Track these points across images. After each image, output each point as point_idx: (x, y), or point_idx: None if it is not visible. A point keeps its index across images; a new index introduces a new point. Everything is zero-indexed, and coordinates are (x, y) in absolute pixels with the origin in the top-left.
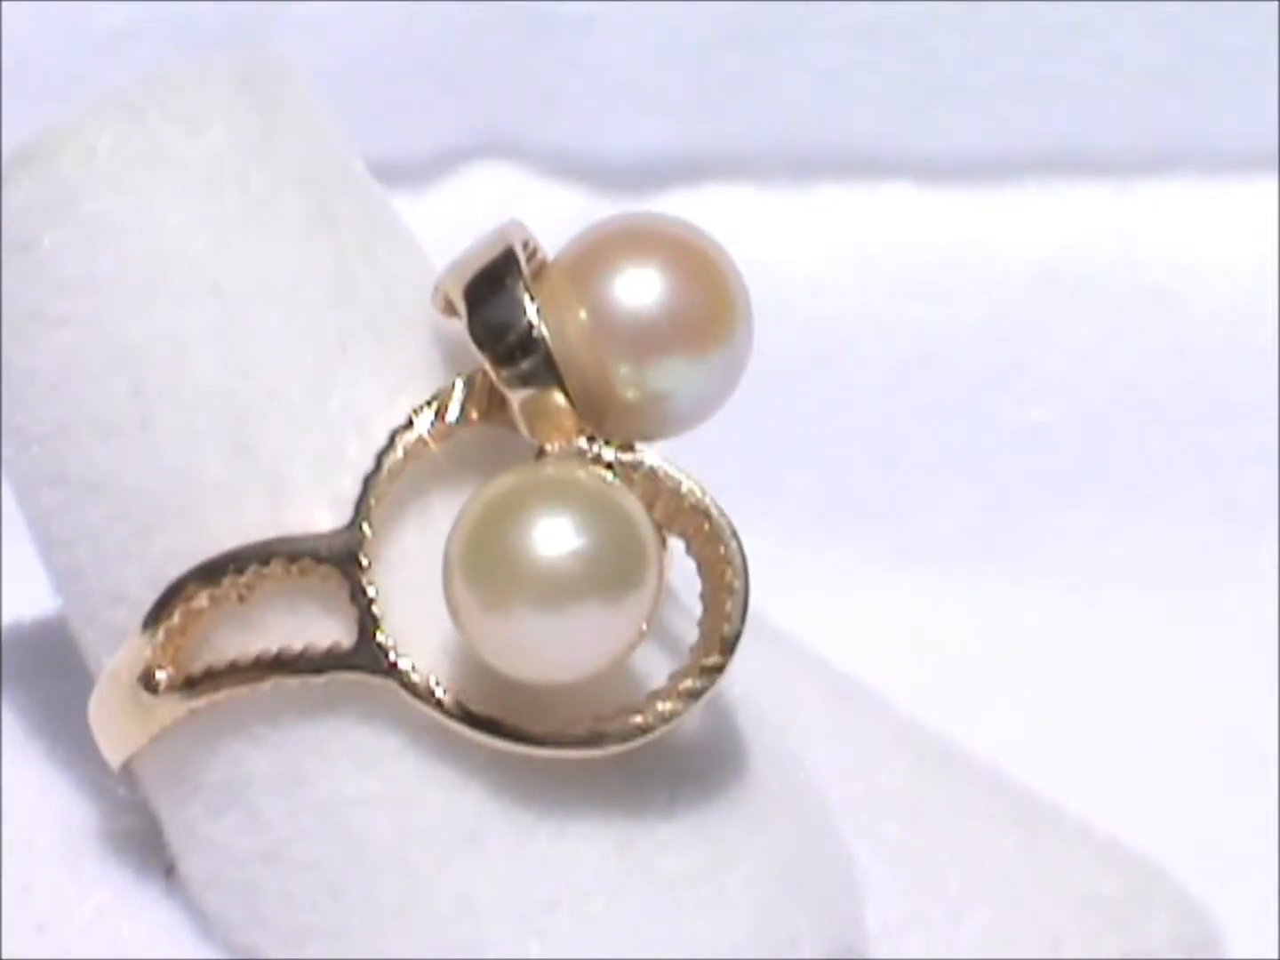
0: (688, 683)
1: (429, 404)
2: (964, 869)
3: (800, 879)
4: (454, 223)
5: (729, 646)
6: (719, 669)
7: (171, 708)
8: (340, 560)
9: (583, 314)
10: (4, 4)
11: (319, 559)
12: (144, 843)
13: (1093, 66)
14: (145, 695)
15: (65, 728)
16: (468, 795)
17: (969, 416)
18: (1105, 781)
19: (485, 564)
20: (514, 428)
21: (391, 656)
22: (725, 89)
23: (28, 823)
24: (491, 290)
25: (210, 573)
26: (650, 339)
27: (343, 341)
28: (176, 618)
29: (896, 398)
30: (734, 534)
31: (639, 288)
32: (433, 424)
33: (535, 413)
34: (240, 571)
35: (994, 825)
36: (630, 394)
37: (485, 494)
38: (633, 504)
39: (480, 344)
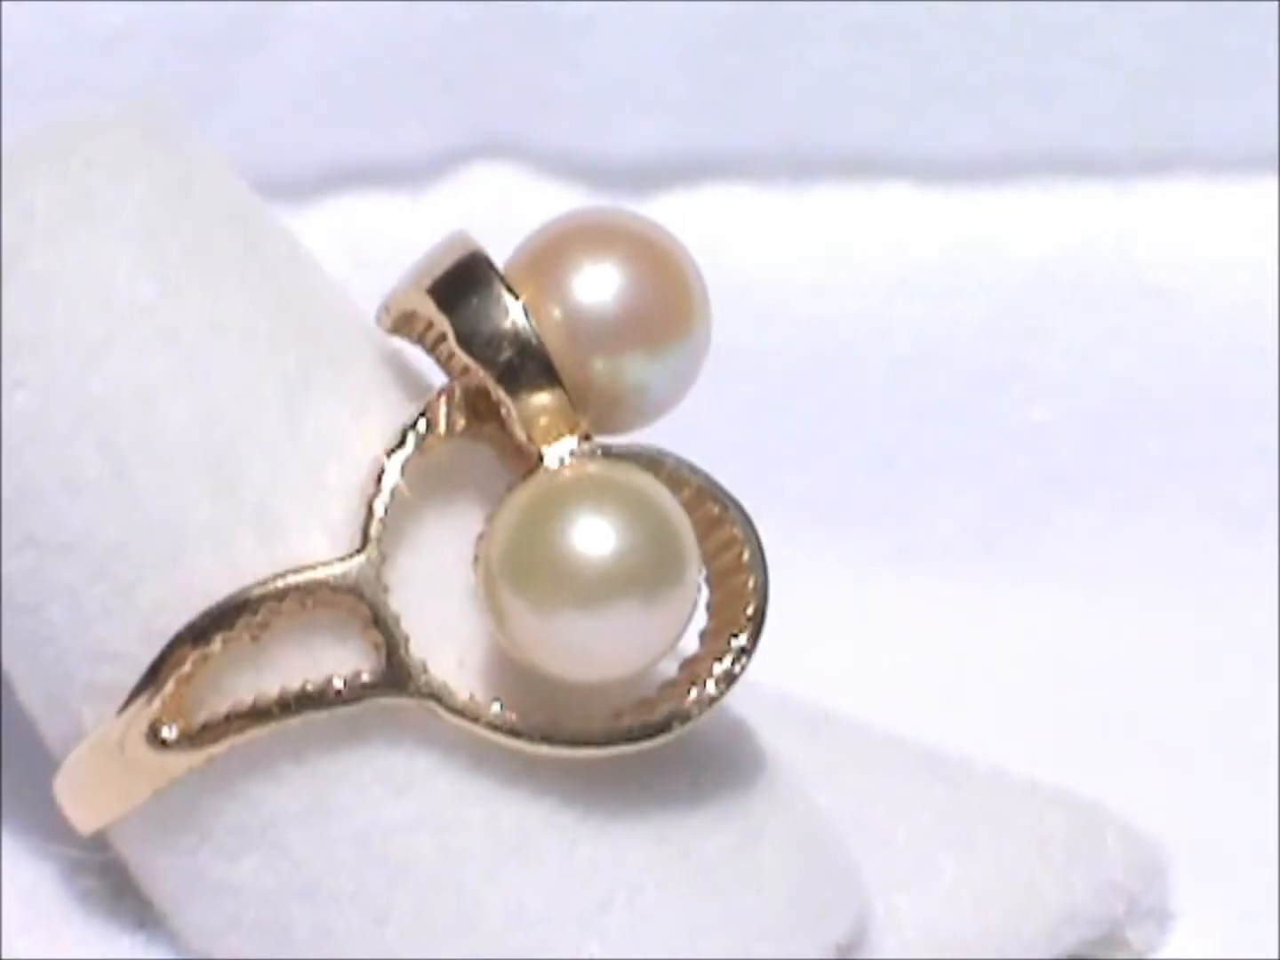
0: (722, 666)
1: (418, 420)
2: (910, 828)
3: (820, 852)
4: (454, 223)
5: (756, 625)
6: (748, 650)
7: (184, 760)
8: (359, 587)
9: (556, 312)
10: (4, 4)
11: (334, 589)
12: (108, 902)
13: (1093, 66)
14: (151, 752)
15: (12, 796)
16: (508, 806)
17: (969, 416)
18: (1105, 781)
19: (530, 568)
20: (494, 438)
21: (425, 677)
22: (725, 89)
23: None
24: (471, 293)
25: (225, 615)
26: (618, 333)
27: (303, 372)
28: (189, 665)
29: (896, 398)
30: (746, 515)
31: (600, 283)
32: (423, 440)
33: (531, 414)
34: (255, 611)
35: (921, 786)
36: (610, 387)
37: (520, 499)
38: (669, 499)
39: (469, 348)
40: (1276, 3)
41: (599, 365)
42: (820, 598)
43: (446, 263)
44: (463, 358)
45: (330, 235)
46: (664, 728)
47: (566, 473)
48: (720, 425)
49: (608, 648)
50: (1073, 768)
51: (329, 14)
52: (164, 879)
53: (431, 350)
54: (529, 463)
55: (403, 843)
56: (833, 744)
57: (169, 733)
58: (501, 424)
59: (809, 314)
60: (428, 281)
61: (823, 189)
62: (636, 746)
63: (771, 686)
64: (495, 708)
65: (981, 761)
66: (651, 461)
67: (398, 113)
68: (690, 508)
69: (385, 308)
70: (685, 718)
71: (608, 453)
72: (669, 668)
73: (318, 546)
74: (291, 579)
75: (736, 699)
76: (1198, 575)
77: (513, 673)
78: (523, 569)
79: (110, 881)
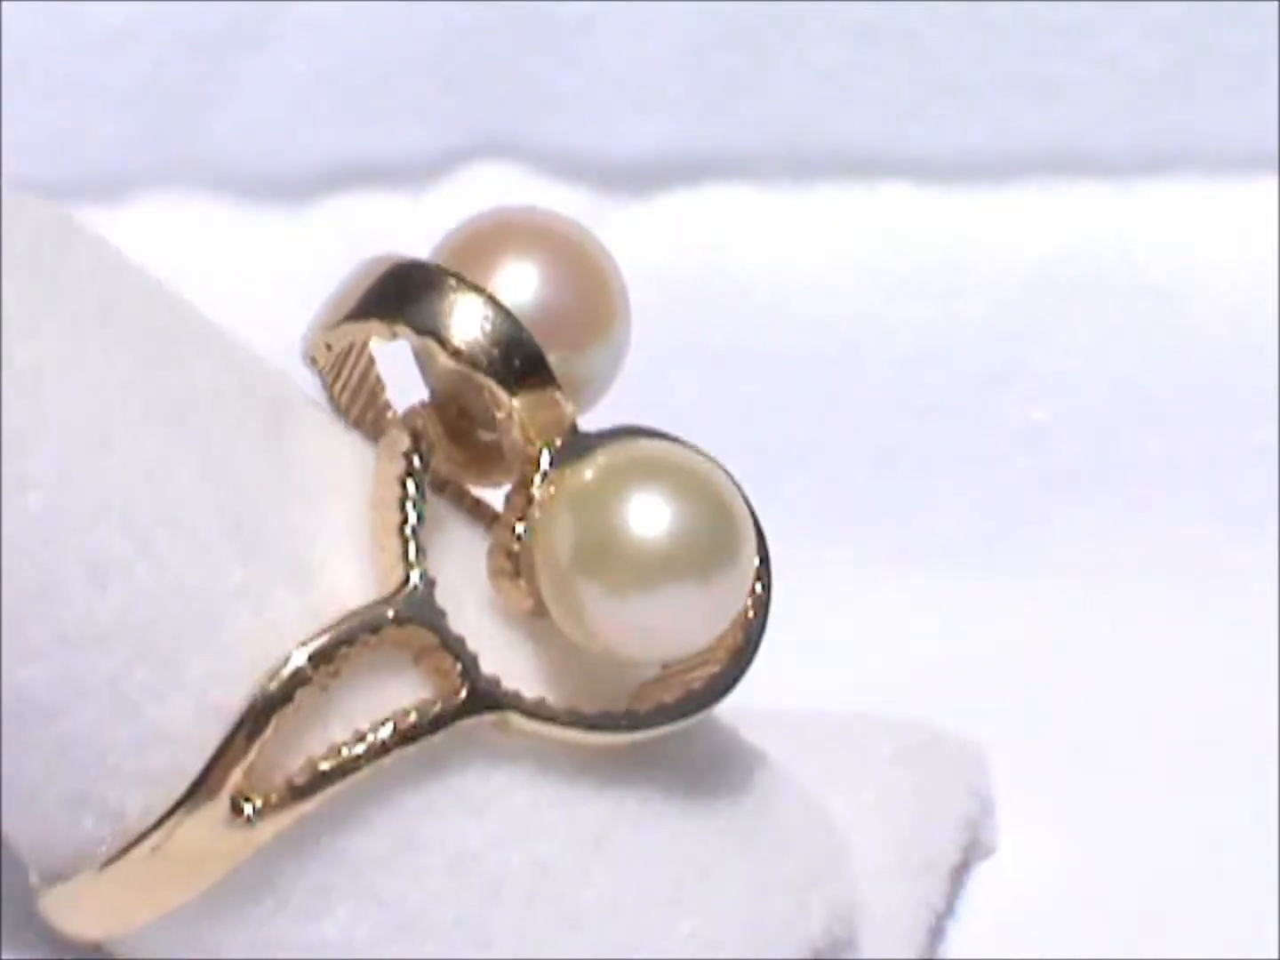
0: (738, 638)
1: (414, 445)
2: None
3: (823, 815)
4: (454, 223)
5: (762, 606)
6: (761, 628)
7: (270, 828)
8: (423, 615)
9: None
10: (4, 4)
11: (400, 622)
12: None
13: (1093, 66)
14: (234, 829)
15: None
16: (581, 805)
17: (969, 416)
18: (1104, 781)
19: (603, 555)
20: (462, 455)
21: (504, 689)
22: (725, 89)
23: None
24: (432, 302)
25: (306, 673)
26: (560, 329)
27: (275, 418)
28: (271, 729)
29: (896, 398)
30: (747, 501)
31: (520, 284)
32: (426, 460)
33: (535, 411)
34: (330, 660)
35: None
36: (570, 379)
37: (570, 491)
38: (717, 470)
39: (466, 358)
40: (1276, 3)
41: (552, 359)
42: (820, 598)
43: (388, 286)
44: (454, 367)
45: (330, 235)
46: (695, 704)
47: (611, 457)
48: (720, 425)
49: (680, 624)
50: (1071, 767)
51: (329, 14)
52: (223, 952)
53: (344, 385)
54: (526, 462)
55: (492, 862)
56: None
57: (252, 805)
58: (471, 429)
59: (809, 314)
60: (372, 304)
61: (823, 189)
62: (684, 722)
63: None
64: (564, 707)
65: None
66: (640, 436)
67: (398, 113)
68: None
69: (310, 342)
70: (725, 691)
71: (594, 440)
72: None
73: (346, 584)
74: (357, 621)
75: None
76: (1198, 575)
77: (540, 672)
78: (596, 557)
79: None
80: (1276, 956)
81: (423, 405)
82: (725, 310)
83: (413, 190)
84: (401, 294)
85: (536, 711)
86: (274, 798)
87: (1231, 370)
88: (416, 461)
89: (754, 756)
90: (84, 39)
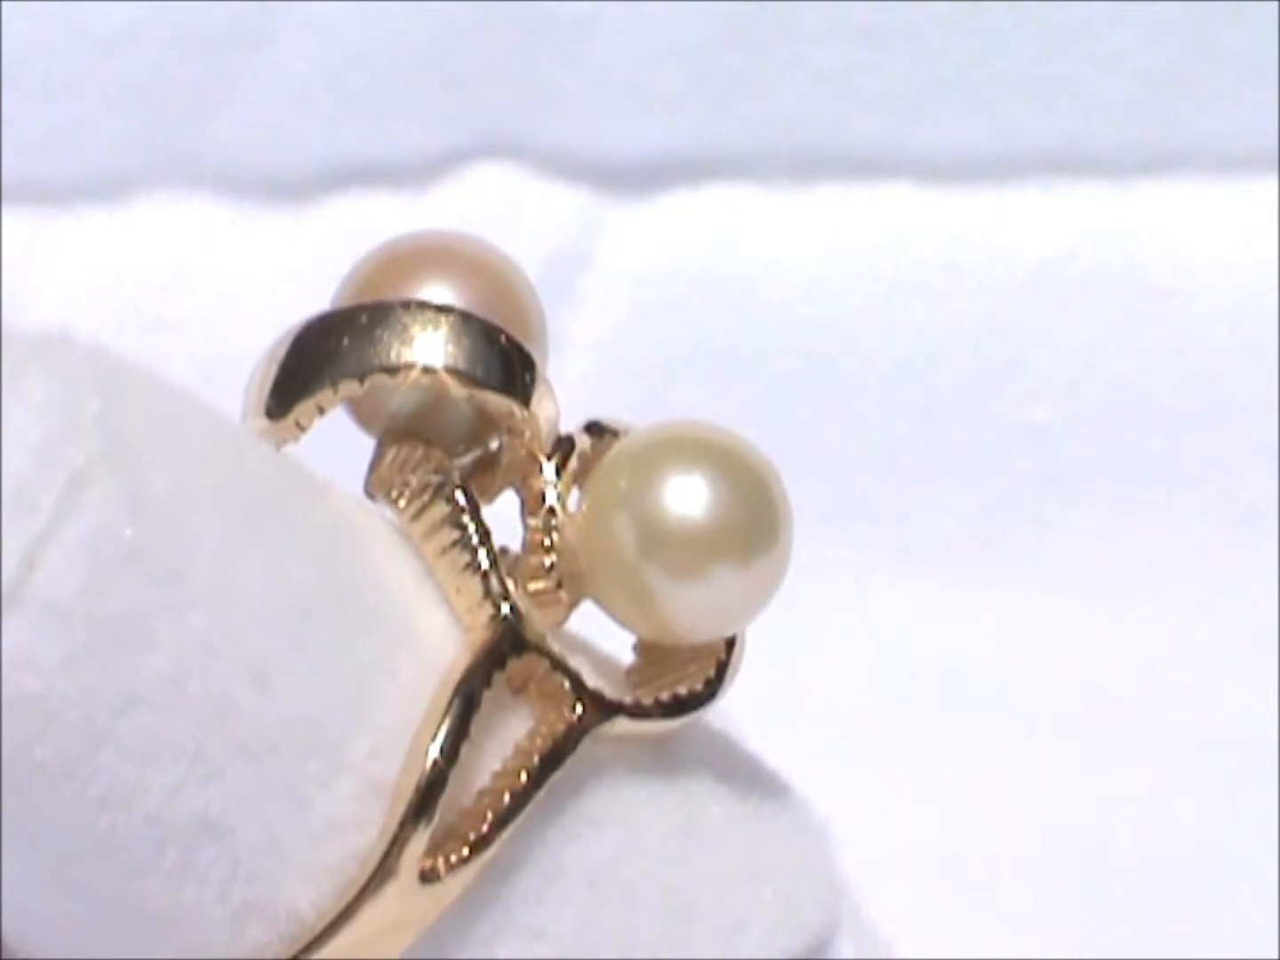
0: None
1: (454, 490)
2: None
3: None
4: (454, 223)
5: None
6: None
7: (458, 882)
8: (533, 645)
9: None
10: (4, 4)
11: (519, 653)
12: None
13: (1093, 66)
14: (427, 894)
15: None
16: (662, 794)
17: (969, 416)
18: (1104, 781)
19: (663, 536)
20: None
21: (610, 696)
22: (725, 89)
23: None
24: (393, 337)
25: (461, 727)
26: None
27: (312, 478)
28: (449, 788)
29: (896, 398)
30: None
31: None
32: (469, 496)
33: (538, 424)
34: (478, 706)
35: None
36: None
37: (614, 478)
38: (745, 443)
39: (480, 383)
40: (1276, 3)
41: None
42: (820, 598)
43: (322, 340)
44: (465, 391)
45: (330, 235)
46: (719, 684)
47: (639, 444)
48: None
49: (744, 597)
50: (1071, 767)
51: (330, 14)
52: None
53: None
54: (530, 473)
55: (623, 869)
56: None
57: (440, 867)
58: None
59: (809, 314)
60: (312, 371)
61: (823, 189)
62: (713, 701)
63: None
64: (648, 700)
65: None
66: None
67: (398, 113)
68: None
69: (257, 408)
70: (727, 672)
71: (590, 435)
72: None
73: (443, 635)
74: (479, 667)
75: None
76: (1198, 575)
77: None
78: (660, 542)
79: None
80: (1276, 957)
81: (401, 449)
82: (725, 310)
83: (413, 190)
84: (355, 340)
85: (636, 711)
86: (453, 855)
87: (1231, 370)
88: (460, 498)
89: (738, 741)
90: (84, 39)
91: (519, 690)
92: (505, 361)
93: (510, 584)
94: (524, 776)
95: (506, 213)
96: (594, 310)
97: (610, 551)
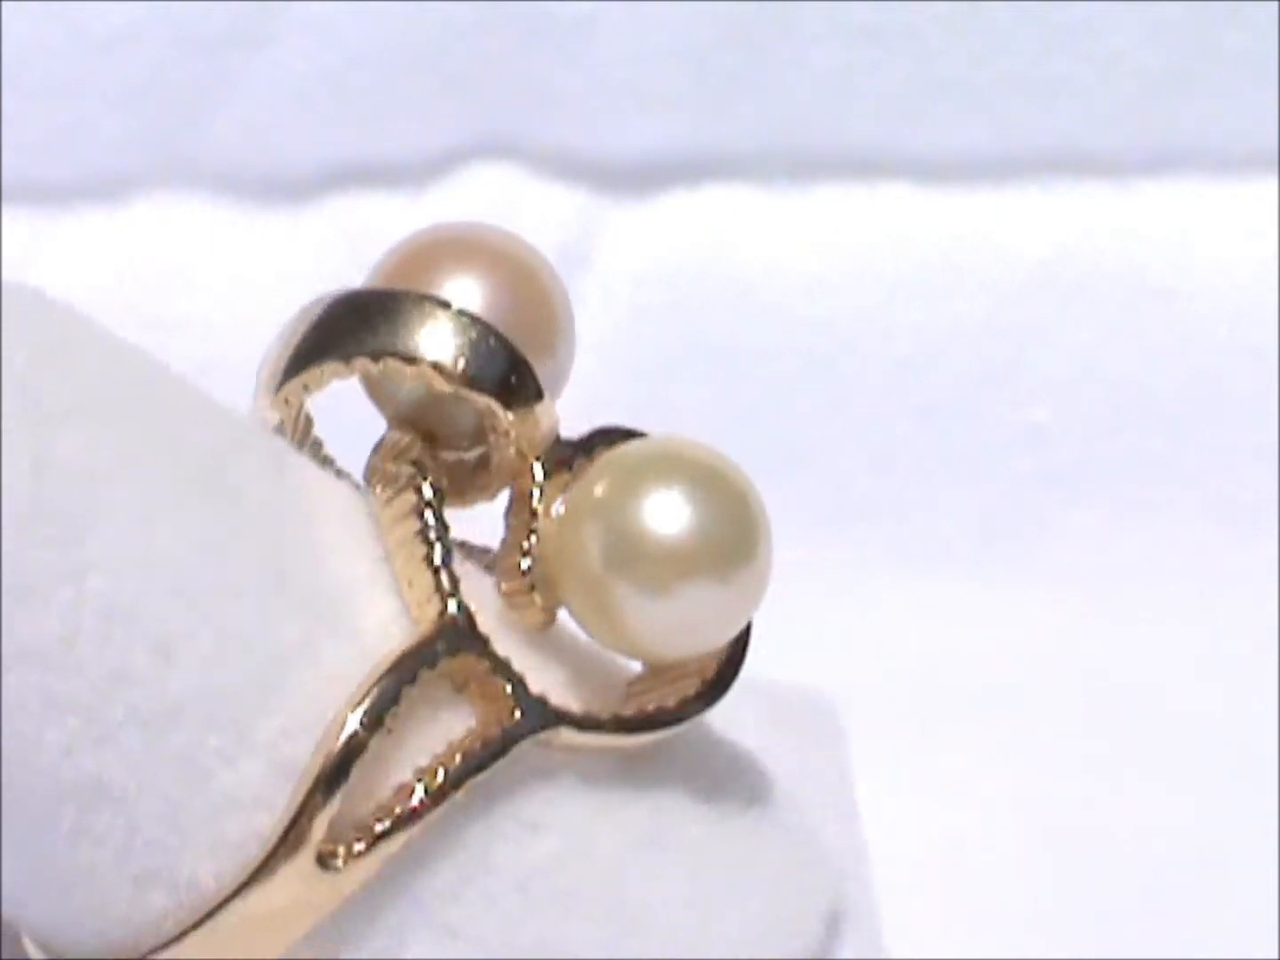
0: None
1: (420, 475)
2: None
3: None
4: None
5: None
6: (746, 630)
7: (360, 872)
8: (471, 644)
9: None
10: (4, 4)
11: (452, 653)
12: None
13: (1093, 66)
14: (323, 881)
15: None
16: (623, 806)
17: (969, 416)
18: (1104, 781)
19: (630, 553)
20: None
21: (553, 705)
22: (725, 89)
23: None
24: (403, 325)
25: (376, 716)
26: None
27: (280, 463)
28: (353, 777)
29: (896, 398)
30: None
31: (464, 301)
32: (436, 491)
33: (526, 424)
34: (397, 701)
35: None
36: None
37: (591, 491)
38: (729, 463)
39: (456, 379)
40: (1276, 3)
41: None
42: (820, 598)
43: (334, 316)
44: (452, 390)
45: (330, 235)
46: (697, 700)
47: (622, 454)
48: (720, 425)
49: (711, 617)
50: (1071, 767)
51: (329, 14)
52: None
53: (301, 436)
54: (514, 478)
55: (560, 876)
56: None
57: (337, 855)
58: (436, 453)
59: (809, 314)
60: (325, 343)
61: (823, 189)
62: (691, 720)
63: None
64: (603, 714)
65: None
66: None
67: (398, 113)
68: None
69: (267, 388)
70: (724, 689)
71: (585, 446)
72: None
73: (387, 626)
74: (411, 660)
75: None
76: (1198, 575)
77: (559, 683)
78: (627, 557)
79: None
80: (1277, 957)
81: (397, 435)
82: (725, 310)
83: (413, 190)
84: (358, 325)
85: (584, 723)
86: (356, 845)
87: (1231, 370)
88: (428, 491)
89: (744, 755)
90: (84, 39)
91: (460, 689)
92: (492, 361)
93: (474, 582)
94: (442, 776)
95: (506, 213)
96: (594, 310)
97: (578, 561)
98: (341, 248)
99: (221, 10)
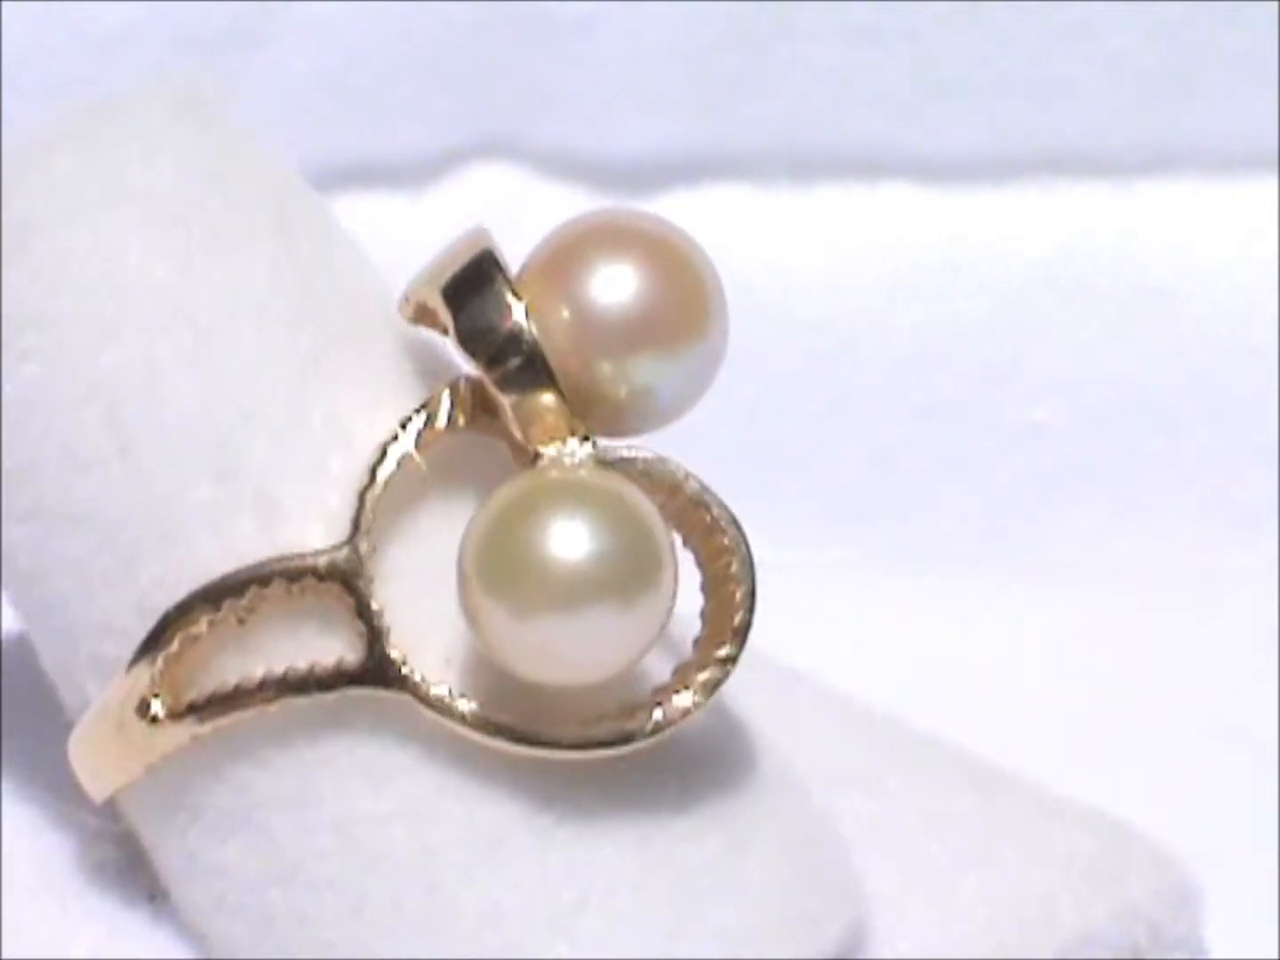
0: (705, 675)
1: (417, 413)
2: (940, 839)
3: (811, 860)
4: (454, 223)
5: (741, 636)
6: (733, 659)
7: (171, 737)
8: (343, 577)
9: (565, 313)
10: (4, 4)
11: (320, 577)
12: (122, 873)
13: (1093, 66)
14: (142, 727)
15: (32, 762)
16: (486, 804)
17: (969, 416)
18: (1104, 781)
19: (505, 571)
20: (500, 435)
21: (404, 670)
22: (725, 89)
23: (5, 861)
24: (475, 292)
25: (210, 597)
26: (629, 335)
27: (316, 357)
28: (176, 645)
29: (896, 398)
30: (737, 524)
31: (615, 284)
32: (421, 434)
33: (528, 415)
34: (240, 594)
35: (956, 795)
36: (615, 391)
37: (495, 502)
38: (645, 503)
39: (468, 347)
40: (1276, 3)
41: (605, 368)
42: (820, 598)
43: (459, 260)
44: (464, 355)
45: None
46: (638, 735)
47: (545, 475)
48: (720, 425)
49: (580, 652)
50: (1071, 768)
51: (329, 14)
52: (162, 855)
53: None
54: (526, 462)
55: (379, 835)
56: (879, 744)
57: (158, 709)
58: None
59: (809, 314)
60: (440, 277)
61: (823, 189)
62: (609, 752)
63: (825, 683)
64: (471, 705)
65: (1014, 773)
66: (648, 465)
67: (398, 113)
68: (683, 515)
69: (405, 298)
70: (660, 728)
71: (604, 456)
72: (663, 672)
73: (314, 534)
74: (277, 565)
75: (779, 693)
76: (1198, 575)
77: (498, 672)
78: (497, 571)
79: (126, 852)
80: (1276, 957)
81: (458, 383)
82: None
83: (412, 190)
84: (463, 279)
85: (433, 703)
86: (177, 711)
87: (1231, 370)
88: (410, 432)
89: (755, 788)
90: (84, 39)
91: (341, 622)
92: (504, 350)
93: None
94: (265, 683)
95: (506, 213)
96: None
97: (459, 560)
98: None
99: (221, 10)
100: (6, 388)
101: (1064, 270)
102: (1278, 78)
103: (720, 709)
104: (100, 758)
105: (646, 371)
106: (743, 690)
